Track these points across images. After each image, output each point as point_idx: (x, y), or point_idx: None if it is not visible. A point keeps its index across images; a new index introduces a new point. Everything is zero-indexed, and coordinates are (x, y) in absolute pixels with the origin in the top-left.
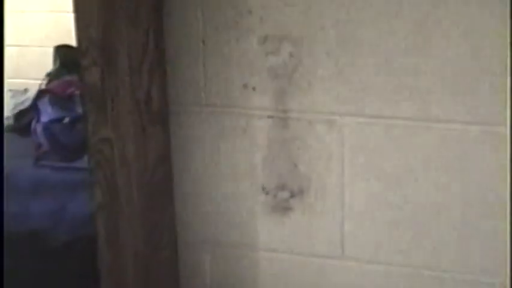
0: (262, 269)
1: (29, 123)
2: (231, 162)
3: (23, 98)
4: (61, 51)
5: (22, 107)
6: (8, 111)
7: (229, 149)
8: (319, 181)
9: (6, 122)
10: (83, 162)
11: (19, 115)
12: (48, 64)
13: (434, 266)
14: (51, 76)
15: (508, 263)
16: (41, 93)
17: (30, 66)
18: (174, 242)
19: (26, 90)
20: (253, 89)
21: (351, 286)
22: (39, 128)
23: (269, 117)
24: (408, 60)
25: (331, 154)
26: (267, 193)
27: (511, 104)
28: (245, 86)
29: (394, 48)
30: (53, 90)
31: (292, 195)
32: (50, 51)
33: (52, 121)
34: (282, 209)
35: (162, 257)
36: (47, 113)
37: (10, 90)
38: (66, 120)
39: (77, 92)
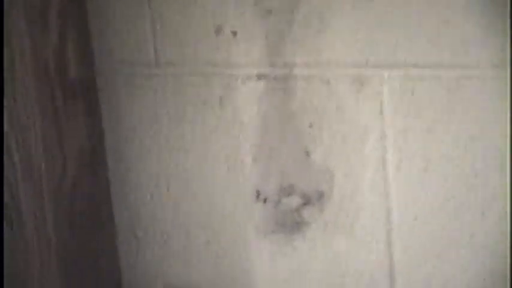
0: None
1: None
2: (203, 155)
3: None
4: None
5: None
6: None
7: (198, 133)
8: (347, 179)
9: None
10: None
11: None
12: None
13: None
14: None
15: (508, 263)
16: None
17: None
18: None
19: None
20: (233, 33)
21: None
22: None
23: (260, 77)
24: None
25: (364, 132)
26: (264, 201)
27: (511, 101)
28: (219, 29)
29: None
30: None
31: (306, 203)
32: None
33: None
34: (290, 226)
35: None
36: None
37: None
38: None
39: None
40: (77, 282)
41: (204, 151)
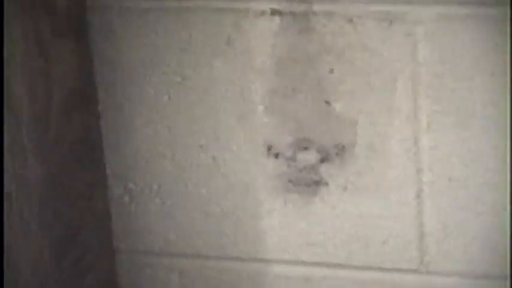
0: None
1: None
2: (208, 102)
3: None
4: None
5: None
6: None
7: (202, 78)
8: (372, 131)
9: None
10: None
11: None
12: None
13: None
14: None
15: (508, 263)
16: None
17: None
18: (109, 257)
19: None
20: None
21: None
22: None
23: (274, 13)
24: None
25: (393, 79)
26: (276, 156)
27: (511, 104)
28: None
29: None
30: None
31: (324, 159)
32: None
33: None
34: (306, 185)
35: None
36: None
37: None
38: None
39: None
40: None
41: (209, 98)
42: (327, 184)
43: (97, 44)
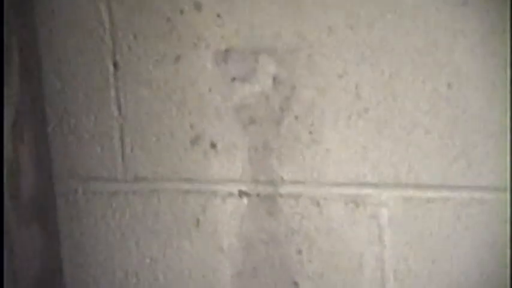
0: None
1: None
2: (178, 285)
3: None
4: None
5: None
6: None
7: (171, 262)
8: None
9: None
10: None
11: None
12: None
13: None
14: None
15: (508, 263)
16: None
17: None
18: None
19: None
20: (212, 146)
21: None
22: None
23: (242, 194)
24: None
25: (360, 262)
26: None
27: (511, 104)
28: (196, 141)
29: None
30: None
31: None
32: None
33: None
34: None
35: None
36: None
37: None
38: None
39: None
40: None
41: (177, 279)
42: None
43: (64, 226)
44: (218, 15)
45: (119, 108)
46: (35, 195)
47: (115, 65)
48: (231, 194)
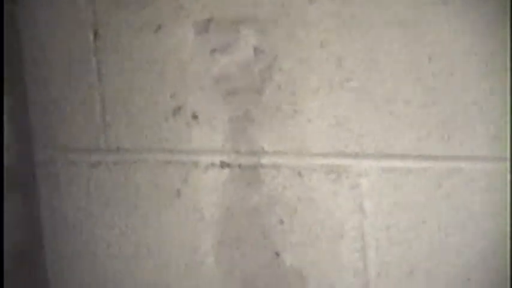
0: None
1: None
2: (158, 254)
3: None
4: None
5: None
6: None
7: (152, 230)
8: (321, 285)
9: None
10: None
11: None
12: None
13: None
14: None
15: (508, 263)
16: None
17: None
18: None
19: None
20: (193, 116)
21: None
22: None
23: (223, 165)
24: None
25: (341, 231)
26: None
27: (511, 104)
28: (177, 111)
29: None
30: None
31: None
32: None
33: None
34: None
35: None
36: None
37: None
38: None
39: None
40: None
41: (159, 250)
42: None
43: (44, 197)
44: None
45: (100, 78)
46: (15, 165)
47: (95, 34)
48: (212, 165)
